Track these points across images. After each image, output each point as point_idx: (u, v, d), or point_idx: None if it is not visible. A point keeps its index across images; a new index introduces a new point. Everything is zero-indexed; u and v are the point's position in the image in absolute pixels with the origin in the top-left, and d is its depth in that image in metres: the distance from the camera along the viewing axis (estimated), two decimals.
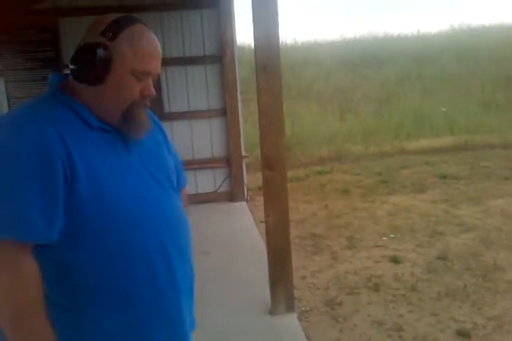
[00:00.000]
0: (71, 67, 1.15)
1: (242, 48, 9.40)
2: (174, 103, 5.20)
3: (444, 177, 6.39)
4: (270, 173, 2.85)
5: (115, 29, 1.15)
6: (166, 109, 5.17)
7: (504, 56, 12.04)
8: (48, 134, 1.09)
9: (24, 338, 1.09)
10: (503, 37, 13.57)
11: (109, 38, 1.15)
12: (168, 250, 1.22)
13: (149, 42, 1.19)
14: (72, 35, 4.90)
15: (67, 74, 1.20)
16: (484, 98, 10.26)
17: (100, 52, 1.13)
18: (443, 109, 9.44)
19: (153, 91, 1.21)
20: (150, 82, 1.21)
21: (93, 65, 1.13)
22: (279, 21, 2.69)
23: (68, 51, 4.94)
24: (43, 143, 1.07)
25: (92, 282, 1.13)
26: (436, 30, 15.95)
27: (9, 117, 1.17)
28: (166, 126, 1.46)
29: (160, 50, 1.21)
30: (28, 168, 1.06)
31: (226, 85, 5.22)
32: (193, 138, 5.30)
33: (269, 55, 2.73)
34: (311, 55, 12.59)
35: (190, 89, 5.19)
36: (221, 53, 5.18)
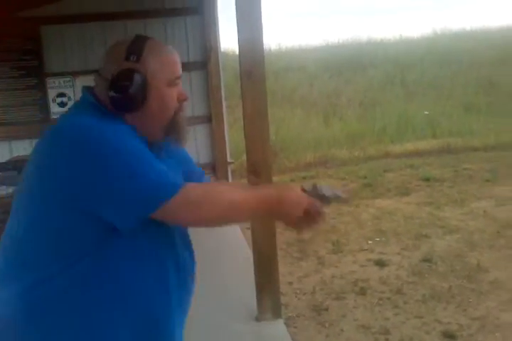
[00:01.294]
0: (112, 94, 1.17)
1: (226, 54, 9.43)
2: None
3: (427, 180, 6.46)
4: (256, 179, 2.86)
5: (136, 51, 1.19)
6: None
7: (485, 59, 12.24)
8: None
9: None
10: (484, 40, 13.80)
11: (135, 61, 1.18)
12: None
13: (169, 50, 1.25)
14: (56, 43, 4.89)
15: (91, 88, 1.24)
16: (466, 101, 10.41)
17: (137, 77, 1.17)
18: (426, 113, 9.55)
19: (186, 93, 1.27)
20: (181, 86, 1.27)
21: (135, 92, 1.17)
22: (263, 27, 2.71)
23: (51, 59, 4.92)
24: None
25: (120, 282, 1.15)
26: (419, 34, 16.18)
27: (84, 124, 1.13)
28: None
29: (177, 54, 1.27)
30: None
31: (211, 91, 5.24)
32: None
33: (253, 61, 2.74)
34: (296, 61, 12.67)
35: None
36: (205, 59, 5.20)
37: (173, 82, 1.23)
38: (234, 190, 1.18)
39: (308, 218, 1.22)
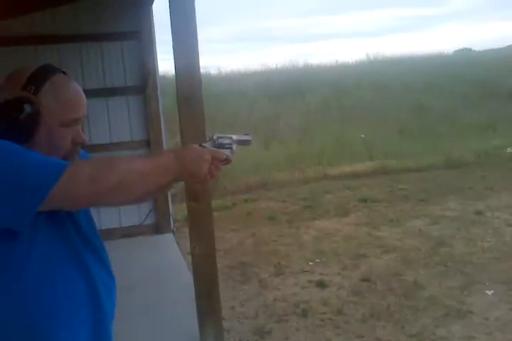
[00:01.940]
0: None
1: (167, 77, 9.42)
2: (96, 135, 5.09)
3: (364, 200, 6.65)
4: (195, 205, 2.85)
5: (36, 82, 1.13)
6: (87, 141, 5.03)
7: (415, 84, 12.89)
8: None
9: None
10: (413, 66, 14.55)
11: (33, 92, 1.12)
12: None
13: (73, 90, 1.19)
14: None
15: None
16: (399, 125, 10.86)
17: (27, 108, 1.10)
18: (362, 136, 9.88)
19: (84, 137, 1.22)
20: (80, 127, 1.21)
21: (21, 123, 1.10)
22: (200, 52, 2.73)
23: None
24: None
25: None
26: (354, 59, 16.85)
27: None
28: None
29: (83, 95, 1.21)
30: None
31: (149, 116, 5.20)
32: None
33: (190, 87, 2.76)
34: (235, 85, 12.83)
35: (111, 121, 5.11)
36: (143, 84, 5.17)
37: (68, 124, 1.17)
38: (128, 159, 1.14)
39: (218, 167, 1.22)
